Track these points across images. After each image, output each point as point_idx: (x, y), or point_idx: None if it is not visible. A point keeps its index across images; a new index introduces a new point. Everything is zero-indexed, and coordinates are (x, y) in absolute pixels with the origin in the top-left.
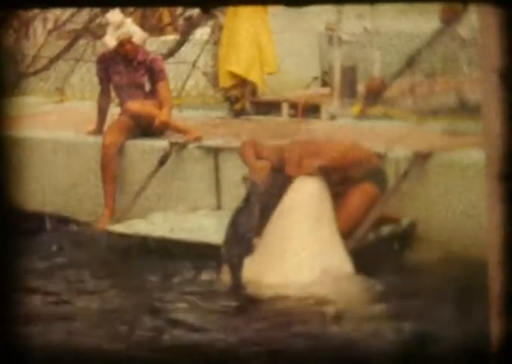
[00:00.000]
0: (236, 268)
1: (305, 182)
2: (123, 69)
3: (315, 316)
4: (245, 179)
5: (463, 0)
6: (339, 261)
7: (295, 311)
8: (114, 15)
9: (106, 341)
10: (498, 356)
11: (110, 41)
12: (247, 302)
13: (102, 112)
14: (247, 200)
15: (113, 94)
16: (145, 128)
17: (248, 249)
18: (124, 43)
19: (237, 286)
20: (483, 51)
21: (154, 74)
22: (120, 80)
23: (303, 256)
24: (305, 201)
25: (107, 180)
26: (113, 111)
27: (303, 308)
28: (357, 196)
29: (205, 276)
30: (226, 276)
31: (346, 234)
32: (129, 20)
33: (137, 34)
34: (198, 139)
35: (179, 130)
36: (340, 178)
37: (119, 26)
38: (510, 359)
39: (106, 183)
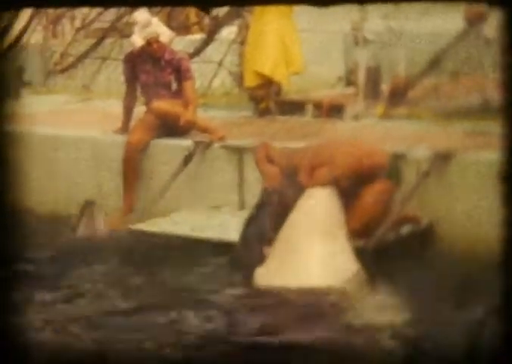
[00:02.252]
0: (248, 276)
1: (316, 193)
2: (150, 68)
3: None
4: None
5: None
6: (349, 268)
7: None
8: (141, 14)
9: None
10: (499, 356)
11: (138, 40)
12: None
13: (128, 111)
14: (258, 208)
15: (138, 93)
16: (170, 127)
17: (259, 258)
18: (151, 42)
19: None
20: (503, 49)
21: (181, 74)
22: (146, 78)
23: (314, 264)
24: (317, 211)
25: (128, 178)
26: (139, 109)
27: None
28: (372, 195)
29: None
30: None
31: (363, 233)
32: (155, 20)
33: (164, 33)
34: (222, 138)
35: (204, 130)
36: (353, 182)
37: (146, 25)
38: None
39: (126, 180)
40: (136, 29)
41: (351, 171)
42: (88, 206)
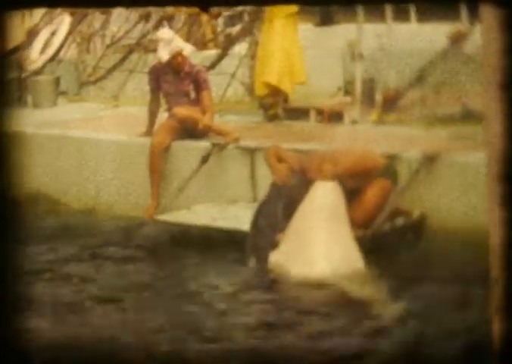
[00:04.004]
0: (263, 260)
1: (324, 185)
2: (172, 79)
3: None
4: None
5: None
6: (352, 254)
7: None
8: (165, 32)
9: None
10: (499, 356)
11: (164, 55)
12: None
13: (152, 116)
14: (269, 200)
15: (162, 100)
16: (189, 131)
17: (272, 243)
18: (176, 56)
19: (263, 274)
20: (485, 50)
21: (199, 84)
22: (168, 88)
23: (322, 250)
24: (324, 202)
25: (154, 175)
26: (162, 115)
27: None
28: (374, 192)
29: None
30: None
31: (365, 225)
32: (177, 36)
33: (186, 48)
34: (236, 140)
35: (220, 133)
36: (353, 180)
37: (169, 41)
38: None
39: (152, 177)
40: (161, 45)
41: (352, 170)
42: None
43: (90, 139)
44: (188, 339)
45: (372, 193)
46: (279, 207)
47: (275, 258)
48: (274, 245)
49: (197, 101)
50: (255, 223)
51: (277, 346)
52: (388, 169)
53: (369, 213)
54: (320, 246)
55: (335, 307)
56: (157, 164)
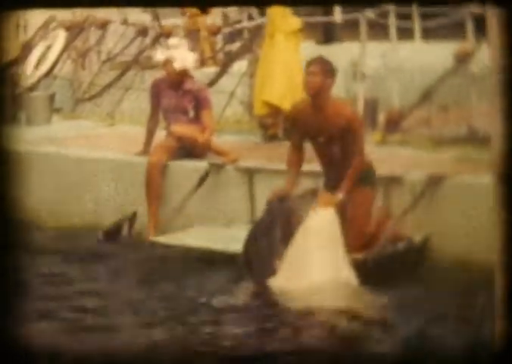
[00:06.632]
0: (262, 285)
1: (322, 212)
2: (172, 94)
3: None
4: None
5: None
6: (348, 276)
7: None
8: (174, 40)
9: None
10: (499, 357)
11: (159, 56)
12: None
13: (150, 134)
14: (266, 222)
15: (161, 117)
16: (187, 150)
17: (271, 270)
18: (170, 62)
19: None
20: (491, 52)
21: (200, 102)
22: (168, 104)
23: (321, 273)
24: (322, 227)
25: (151, 195)
26: (160, 133)
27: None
28: (357, 203)
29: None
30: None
31: (359, 240)
32: (184, 46)
33: (188, 58)
34: (234, 161)
35: (219, 153)
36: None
37: (174, 47)
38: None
39: (150, 197)
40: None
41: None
42: (133, 217)
43: (86, 158)
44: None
45: (355, 206)
46: (277, 231)
47: (275, 283)
48: (274, 271)
49: (196, 120)
50: (252, 246)
51: None
52: (366, 175)
53: (360, 233)
54: (319, 269)
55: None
56: (155, 184)
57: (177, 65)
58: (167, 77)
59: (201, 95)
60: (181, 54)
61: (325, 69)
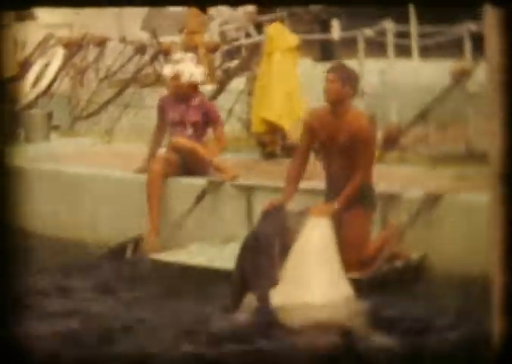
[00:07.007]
0: (264, 299)
1: (317, 222)
2: (180, 109)
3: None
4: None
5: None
6: (344, 289)
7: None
8: (177, 54)
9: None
10: (499, 357)
11: (166, 72)
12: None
13: (152, 150)
14: (264, 234)
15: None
16: (188, 165)
17: (272, 284)
18: (191, 87)
19: (265, 310)
20: (488, 50)
21: (211, 118)
22: (174, 117)
23: (319, 286)
24: (318, 239)
25: (153, 207)
26: (160, 151)
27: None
28: (352, 224)
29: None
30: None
31: (358, 264)
32: (189, 60)
33: (195, 73)
34: (234, 178)
35: (219, 169)
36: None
37: (178, 62)
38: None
39: (151, 209)
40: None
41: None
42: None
43: (84, 174)
44: None
45: (351, 227)
46: (275, 244)
47: (276, 299)
48: (275, 282)
49: (201, 136)
50: (248, 257)
51: None
52: (364, 196)
53: (356, 249)
54: (317, 282)
55: None
56: (156, 191)
57: (185, 79)
58: (173, 93)
59: (211, 111)
60: (189, 68)
61: (343, 76)
